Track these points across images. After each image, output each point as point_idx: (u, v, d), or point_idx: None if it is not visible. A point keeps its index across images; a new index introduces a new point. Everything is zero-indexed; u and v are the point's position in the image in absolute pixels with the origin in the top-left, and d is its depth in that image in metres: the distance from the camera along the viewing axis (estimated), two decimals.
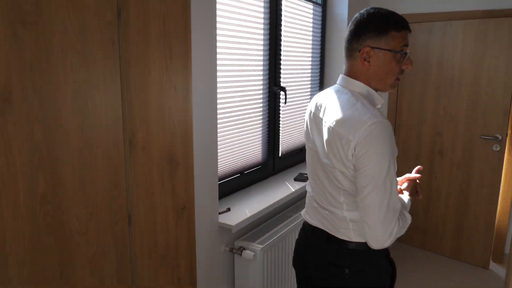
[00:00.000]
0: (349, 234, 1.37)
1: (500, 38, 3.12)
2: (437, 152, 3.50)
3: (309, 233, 1.52)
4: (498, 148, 3.22)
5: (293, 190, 2.54)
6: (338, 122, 1.28)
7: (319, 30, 3.23)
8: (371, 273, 1.39)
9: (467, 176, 3.39)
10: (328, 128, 1.31)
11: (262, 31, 2.49)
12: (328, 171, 1.36)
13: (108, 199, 1.10)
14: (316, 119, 1.43)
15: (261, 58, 2.53)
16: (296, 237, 2.39)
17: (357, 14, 1.34)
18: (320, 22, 3.22)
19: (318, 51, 3.26)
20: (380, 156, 1.20)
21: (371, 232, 1.24)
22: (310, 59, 3.14)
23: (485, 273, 3.37)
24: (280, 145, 2.86)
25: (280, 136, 2.85)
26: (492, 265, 3.47)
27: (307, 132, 1.51)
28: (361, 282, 1.38)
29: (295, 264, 1.62)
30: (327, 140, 1.32)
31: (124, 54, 1.12)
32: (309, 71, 3.15)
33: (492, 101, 3.21)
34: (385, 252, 1.43)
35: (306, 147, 1.54)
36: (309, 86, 3.19)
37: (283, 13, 2.69)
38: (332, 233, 1.41)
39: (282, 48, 2.73)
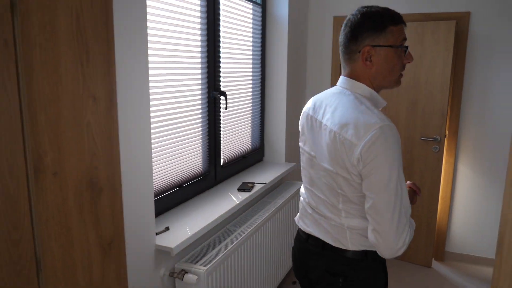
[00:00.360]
0: (346, 242, 1.33)
1: (437, 41, 3.16)
2: None
3: (303, 240, 1.48)
4: (437, 149, 3.26)
5: (237, 202, 2.36)
6: (341, 125, 1.23)
7: (259, 32, 3.08)
8: (366, 282, 1.36)
9: (408, 177, 3.41)
10: (330, 132, 1.27)
11: (199, 32, 2.29)
12: (328, 176, 1.31)
13: (5, 246, 0.85)
14: (314, 122, 1.38)
15: (199, 60, 2.32)
16: (242, 253, 2.24)
17: (349, 16, 1.31)
18: (260, 23, 3.07)
19: (259, 53, 3.11)
20: (389, 160, 1.15)
21: (384, 241, 1.18)
22: (250, 61, 2.98)
23: (428, 271, 3.41)
24: (221, 153, 2.67)
25: (222, 144, 2.66)
26: (434, 264, 3.53)
27: (302, 135, 1.47)
28: None
29: (295, 273, 1.57)
30: (328, 144, 1.27)
31: (24, 57, 0.88)
32: (250, 74, 2.99)
33: (430, 103, 3.25)
34: (382, 260, 1.38)
35: (301, 150, 1.49)
36: (251, 90, 3.03)
37: (221, 12, 2.50)
38: (328, 241, 1.37)
39: (221, 50, 2.54)
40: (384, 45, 1.25)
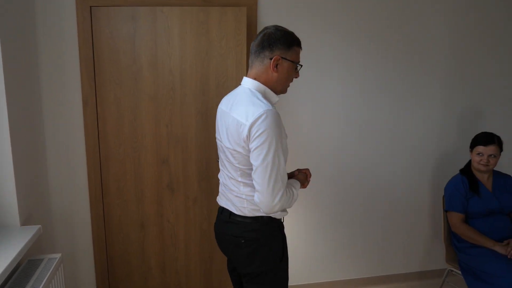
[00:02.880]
0: (245, 210, 1.66)
1: (227, 33, 2.39)
2: (166, 186, 2.55)
3: (219, 213, 1.81)
4: None
5: None
6: (237, 111, 1.55)
7: None
8: (264, 242, 1.66)
9: (208, 212, 2.61)
10: (230, 117, 1.59)
11: None
12: (229, 154, 1.63)
13: None
14: (222, 114, 1.69)
15: None
16: None
17: (266, 30, 1.62)
18: None
19: None
20: (269, 137, 1.47)
21: (262, 199, 1.51)
22: None
23: None
24: None
25: None
26: None
27: (216, 128, 1.77)
28: (256, 249, 1.65)
29: (217, 241, 1.86)
30: (228, 127, 1.60)
31: None
32: None
33: None
34: (278, 226, 1.72)
35: (217, 141, 1.79)
36: None
37: None
38: (233, 211, 1.70)
39: None
40: (289, 59, 1.61)
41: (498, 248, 2.30)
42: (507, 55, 3.04)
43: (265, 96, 1.60)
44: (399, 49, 2.80)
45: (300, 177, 1.82)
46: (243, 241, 1.65)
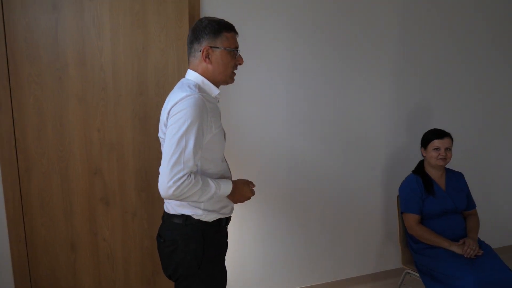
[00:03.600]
0: (169, 206, 1.59)
1: (167, 25, 2.15)
2: (100, 200, 2.24)
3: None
4: None
5: None
6: (168, 101, 1.51)
7: None
8: (182, 244, 1.53)
9: (149, 226, 2.33)
10: (163, 108, 1.54)
11: None
12: (162, 145, 1.53)
13: None
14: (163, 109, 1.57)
15: None
16: None
17: (196, 22, 1.58)
18: None
19: None
20: (183, 118, 1.38)
21: (161, 179, 1.38)
22: None
23: None
24: None
25: None
26: None
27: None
28: (173, 251, 1.53)
29: None
30: (161, 117, 1.54)
31: None
32: None
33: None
34: (201, 228, 1.55)
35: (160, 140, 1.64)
36: None
37: None
38: (166, 210, 1.62)
39: None
40: (218, 47, 1.54)
41: (455, 248, 2.26)
42: (456, 53, 3.05)
43: (201, 88, 1.52)
44: (349, 45, 2.69)
45: (245, 188, 1.64)
46: (162, 240, 1.58)
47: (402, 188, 2.50)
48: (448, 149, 2.41)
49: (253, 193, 1.67)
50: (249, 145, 2.55)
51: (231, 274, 2.20)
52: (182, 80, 1.58)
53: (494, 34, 3.18)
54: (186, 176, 1.36)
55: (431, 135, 2.45)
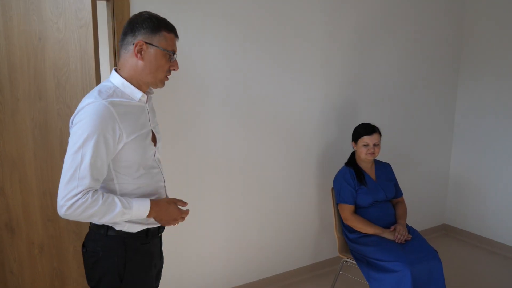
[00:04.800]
0: None
1: (64, 8, 1.62)
2: (4, 225, 1.84)
3: None
4: None
5: None
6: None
7: None
8: (103, 256, 1.39)
9: (59, 265, 1.85)
10: None
11: None
12: None
13: None
14: None
15: None
16: None
17: (135, 14, 1.40)
18: None
19: None
20: (80, 129, 1.24)
21: (58, 196, 1.24)
22: None
23: None
24: None
25: None
26: None
27: None
28: (95, 263, 1.40)
29: None
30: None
31: None
32: None
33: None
34: (122, 238, 1.39)
35: None
36: None
37: None
38: None
39: None
40: (155, 45, 1.37)
41: (387, 235, 2.35)
42: (383, 58, 3.08)
43: (119, 92, 1.36)
44: (277, 42, 2.57)
45: (170, 208, 1.44)
46: (84, 250, 1.44)
47: (336, 179, 2.55)
48: (376, 145, 2.47)
49: (184, 212, 1.48)
50: (183, 144, 2.37)
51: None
52: (105, 82, 1.40)
53: (416, 34, 3.24)
54: (80, 194, 1.23)
55: (361, 130, 2.48)
